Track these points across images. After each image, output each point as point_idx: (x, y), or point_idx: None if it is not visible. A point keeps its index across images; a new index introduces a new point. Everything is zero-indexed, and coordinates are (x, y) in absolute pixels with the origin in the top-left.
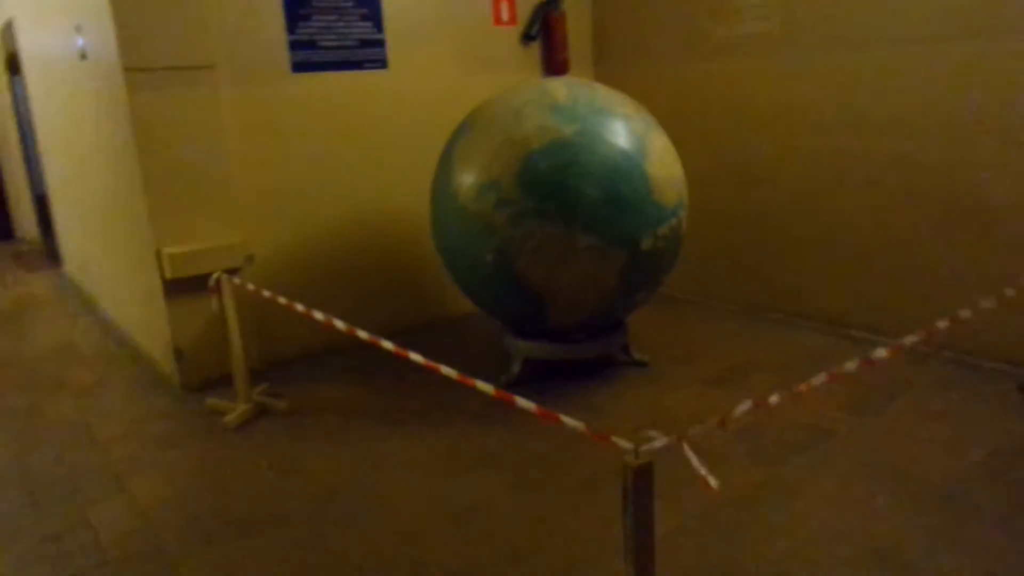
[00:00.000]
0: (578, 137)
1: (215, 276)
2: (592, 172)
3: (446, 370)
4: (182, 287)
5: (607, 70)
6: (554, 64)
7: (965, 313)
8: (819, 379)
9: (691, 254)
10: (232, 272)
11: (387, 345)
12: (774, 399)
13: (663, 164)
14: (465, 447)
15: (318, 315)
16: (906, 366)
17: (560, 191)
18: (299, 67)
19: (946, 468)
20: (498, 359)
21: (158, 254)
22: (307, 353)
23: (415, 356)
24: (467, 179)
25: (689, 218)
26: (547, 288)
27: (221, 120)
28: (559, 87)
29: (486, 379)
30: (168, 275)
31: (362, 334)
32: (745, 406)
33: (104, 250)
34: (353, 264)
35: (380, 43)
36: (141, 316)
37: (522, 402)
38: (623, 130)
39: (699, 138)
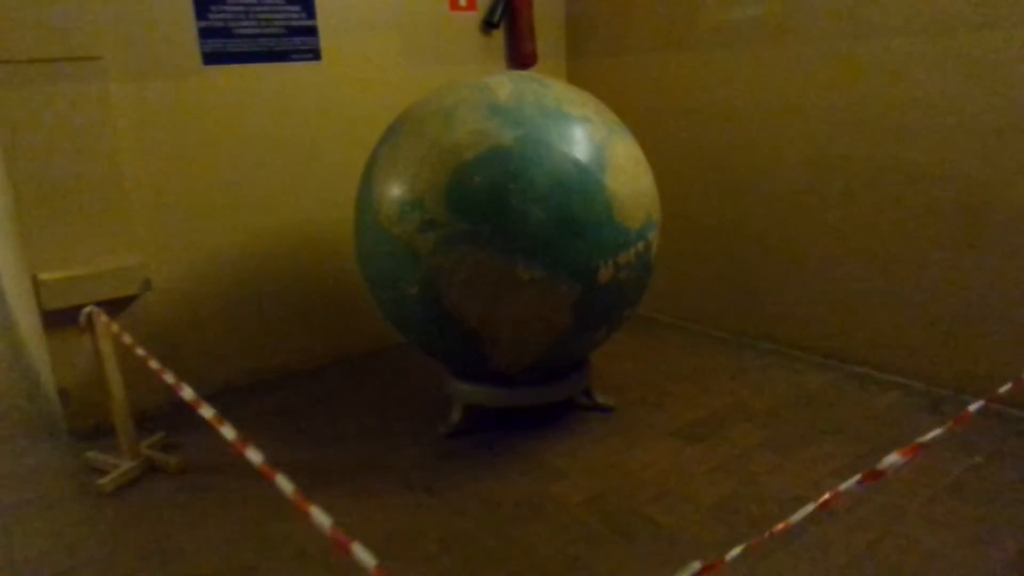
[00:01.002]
0: (521, 145)
1: (85, 311)
2: (537, 188)
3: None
4: (67, 318)
5: (582, 64)
6: (520, 56)
7: None
8: (891, 459)
9: (672, 270)
10: (130, 300)
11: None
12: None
13: (627, 177)
14: (379, 528)
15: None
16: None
17: (497, 211)
18: (211, 59)
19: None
20: (442, 399)
21: (33, 280)
22: (227, 389)
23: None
24: (388, 195)
25: (670, 230)
26: (484, 327)
27: (111, 122)
28: (502, 83)
29: (426, 424)
30: (47, 305)
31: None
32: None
33: (4, 271)
34: (279, 286)
35: (311, 30)
36: (35, 348)
37: (317, 515)
38: (578, 136)
39: (682, 141)
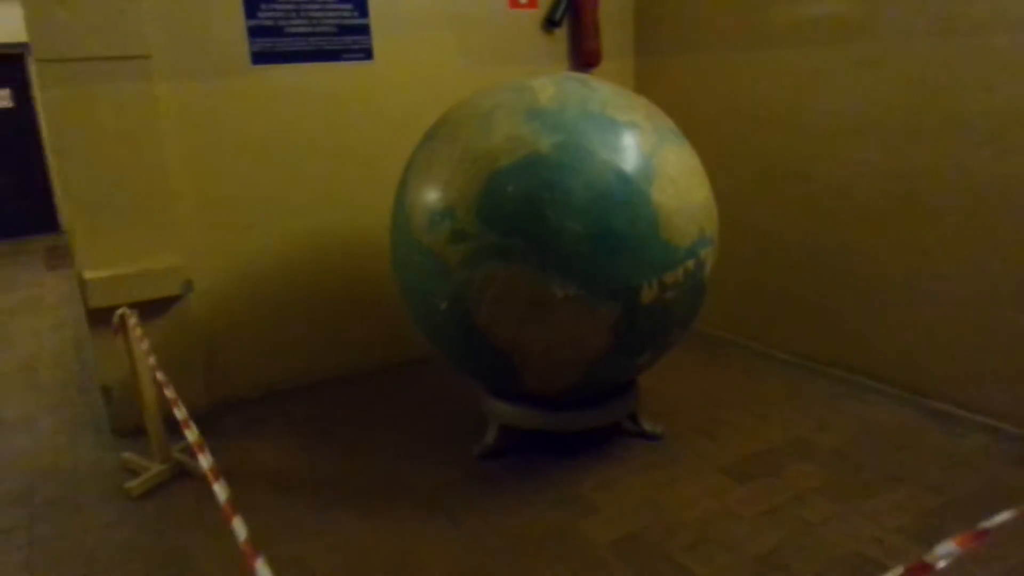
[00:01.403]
0: (560, 152)
1: (118, 312)
2: (575, 199)
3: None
4: (110, 316)
5: (651, 63)
6: (583, 55)
7: None
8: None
9: (737, 285)
10: (172, 301)
11: None
12: None
13: (677, 189)
14: (387, 553)
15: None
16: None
17: (531, 224)
18: (260, 58)
19: None
20: (480, 416)
21: (79, 279)
22: (268, 393)
23: None
24: (420, 202)
25: (736, 242)
26: (516, 347)
27: (158, 121)
28: (545, 85)
29: (460, 443)
30: (91, 303)
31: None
32: None
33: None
34: (323, 291)
35: (364, 29)
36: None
37: (238, 525)
38: (624, 144)
39: (754, 148)
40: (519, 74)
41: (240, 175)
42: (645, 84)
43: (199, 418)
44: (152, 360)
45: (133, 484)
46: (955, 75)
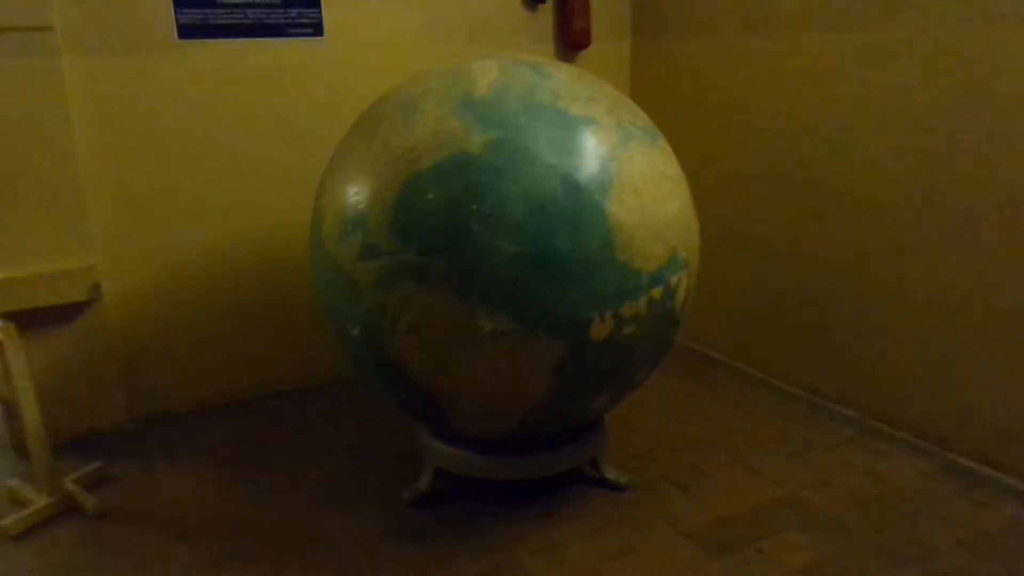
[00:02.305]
0: (493, 153)
1: None
2: (509, 212)
3: None
4: (20, 319)
5: (650, 46)
6: (570, 35)
7: None
8: None
9: (735, 300)
10: (80, 307)
11: None
12: None
13: (641, 201)
14: None
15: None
16: None
17: (454, 240)
18: (189, 31)
19: None
20: (415, 451)
21: None
22: (200, 408)
23: None
24: (332, 209)
25: (736, 251)
26: (438, 387)
27: (65, 103)
28: (489, 69)
29: (392, 483)
30: None
31: None
32: None
33: None
34: (258, 298)
35: (313, 0)
36: None
37: None
38: (576, 144)
39: (760, 146)
40: (493, 53)
41: (164, 166)
42: (642, 70)
43: (120, 437)
44: (25, 382)
45: (9, 521)
46: (996, 68)
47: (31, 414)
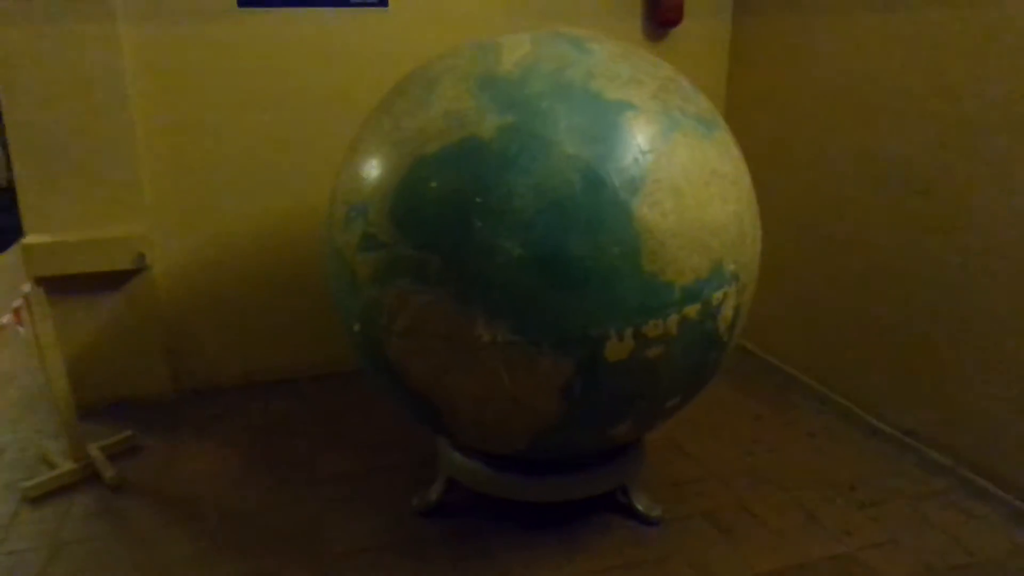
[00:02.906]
0: (506, 139)
1: (23, 289)
2: (517, 207)
3: None
4: (67, 285)
5: (752, 25)
6: (660, 12)
7: None
8: None
9: (826, 316)
10: (127, 275)
11: None
12: None
13: (681, 202)
14: None
15: None
16: None
17: (454, 236)
18: (249, 0)
19: None
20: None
21: (20, 243)
22: (244, 383)
23: None
24: (341, 191)
25: (822, 256)
26: (437, 396)
27: (121, 69)
28: (521, 43)
29: (407, 486)
30: (31, 272)
31: None
32: None
33: None
34: (309, 276)
35: None
36: None
37: None
38: (606, 132)
39: (866, 143)
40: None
41: (218, 137)
42: (742, 52)
43: (160, 407)
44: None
45: (30, 484)
46: None
47: (58, 379)
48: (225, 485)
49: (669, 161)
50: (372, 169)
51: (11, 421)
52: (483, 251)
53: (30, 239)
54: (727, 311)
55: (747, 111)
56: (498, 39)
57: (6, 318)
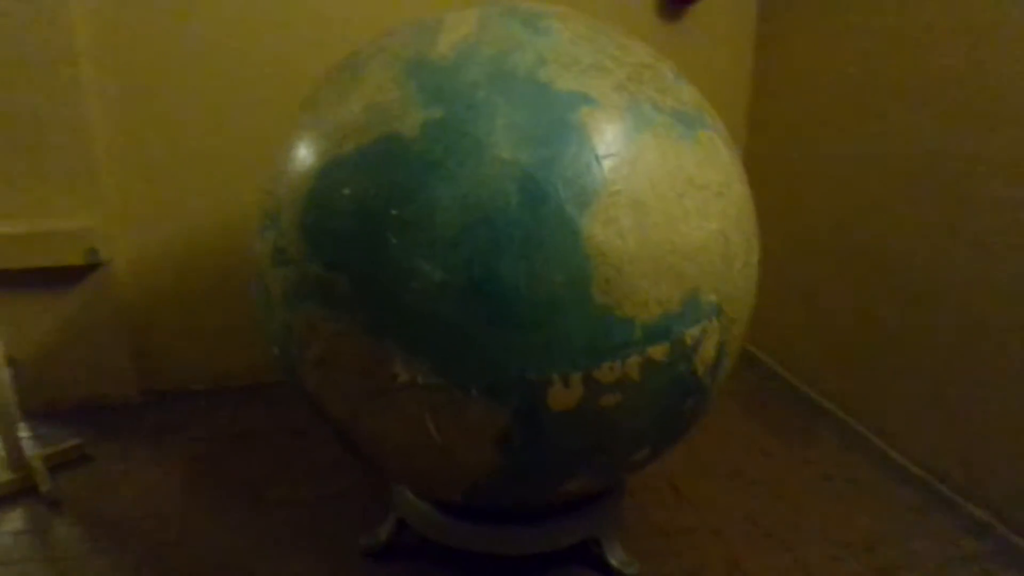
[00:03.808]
0: (431, 138)
1: None
2: (440, 222)
3: None
4: (21, 279)
5: (783, 4)
6: None
7: None
8: None
9: (857, 335)
10: (83, 271)
11: None
12: None
13: (646, 219)
14: None
15: None
16: None
17: (366, 254)
18: None
19: None
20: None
21: None
22: (215, 387)
23: None
24: (258, 196)
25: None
26: (359, 438)
27: (72, 42)
28: (464, 20)
29: (360, 518)
30: None
31: None
32: None
33: None
34: None
35: None
36: None
37: None
38: (552, 131)
39: (905, 136)
40: (577, 7)
41: (186, 124)
42: (772, 33)
43: (124, 410)
44: None
45: None
46: None
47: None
48: (166, 506)
49: (632, 168)
50: (287, 171)
51: None
52: (399, 274)
53: None
54: (707, 351)
55: (774, 100)
56: (442, 16)
57: None
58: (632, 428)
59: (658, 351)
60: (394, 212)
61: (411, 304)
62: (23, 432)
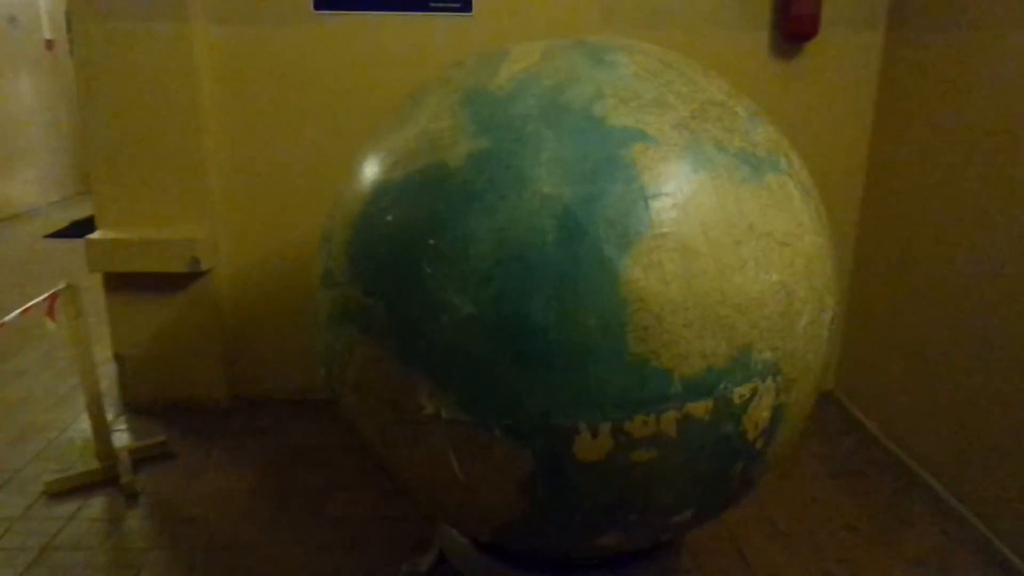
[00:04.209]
0: (475, 169)
1: (58, 288)
2: (474, 256)
3: None
4: (134, 282)
5: (912, 41)
6: (791, 22)
7: None
8: None
9: (960, 398)
10: (188, 278)
11: None
12: None
13: (694, 265)
14: None
15: None
16: None
17: (400, 283)
18: (325, 3)
19: None
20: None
21: (86, 238)
22: (298, 399)
23: None
24: (325, 217)
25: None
26: (391, 468)
27: (194, 69)
28: (529, 51)
29: (405, 544)
30: (90, 266)
31: None
32: None
33: None
34: None
35: None
36: None
37: None
38: (600, 166)
39: None
40: (684, 42)
41: (292, 144)
42: (899, 75)
43: (212, 413)
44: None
45: (51, 478)
46: None
47: (87, 376)
48: (231, 509)
49: (684, 211)
50: (344, 194)
51: (74, 408)
52: (430, 305)
53: (95, 235)
54: (759, 413)
55: (897, 146)
56: (510, 46)
57: (37, 302)
58: (670, 488)
59: (699, 408)
60: (431, 242)
61: (440, 336)
62: (120, 425)
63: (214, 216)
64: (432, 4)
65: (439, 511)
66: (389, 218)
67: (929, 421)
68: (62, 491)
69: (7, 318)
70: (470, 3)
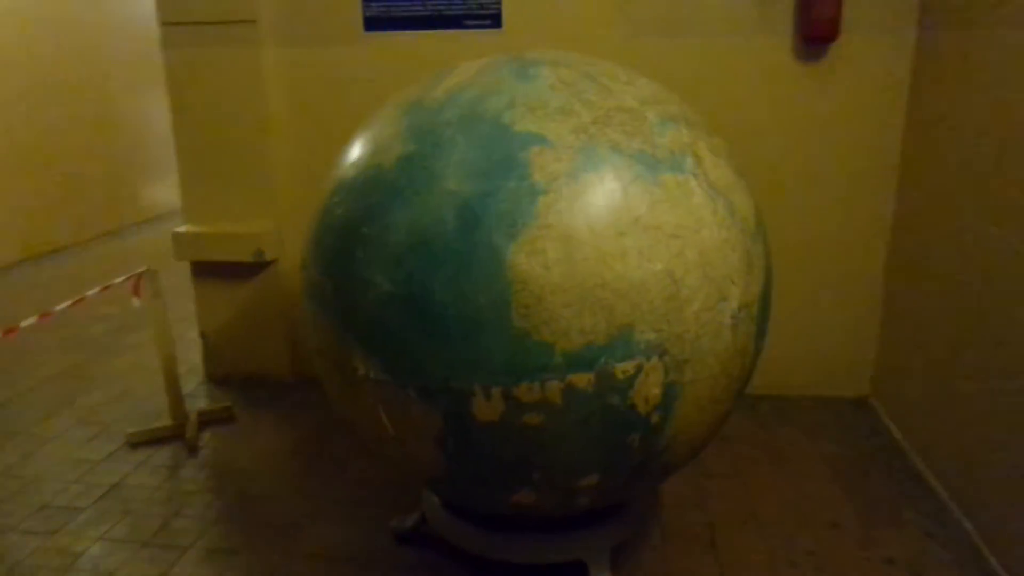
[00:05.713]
0: (402, 170)
1: (139, 272)
2: (391, 242)
3: None
4: (217, 270)
5: (945, 42)
6: (811, 25)
7: None
8: None
9: (988, 403)
10: (256, 267)
11: None
12: None
13: (576, 253)
14: None
15: None
16: None
17: (342, 265)
18: (374, 24)
19: None
20: None
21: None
22: None
23: None
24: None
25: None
26: (347, 419)
27: (263, 86)
28: (469, 68)
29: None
30: (176, 255)
31: None
32: None
33: None
34: None
35: None
36: None
37: None
38: (498, 166)
39: None
40: (704, 51)
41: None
42: (933, 78)
43: (277, 387)
44: (162, 323)
45: (134, 431)
46: None
47: (164, 348)
48: (269, 468)
49: (570, 205)
50: (322, 191)
51: (155, 389)
52: (360, 283)
53: (181, 228)
54: (648, 389)
55: (929, 149)
56: (459, 64)
57: (119, 282)
58: (568, 450)
59: (581, 380)
60: (363, 230)
61: (368, 309)
62: (200, 393)
63: (279, 212)
64: (466, 23)
65: (388, 463)
66: (339, 211)
67: (947, 430)
68: (139, 442)
69: (88, 293)
70: (500, 20)
